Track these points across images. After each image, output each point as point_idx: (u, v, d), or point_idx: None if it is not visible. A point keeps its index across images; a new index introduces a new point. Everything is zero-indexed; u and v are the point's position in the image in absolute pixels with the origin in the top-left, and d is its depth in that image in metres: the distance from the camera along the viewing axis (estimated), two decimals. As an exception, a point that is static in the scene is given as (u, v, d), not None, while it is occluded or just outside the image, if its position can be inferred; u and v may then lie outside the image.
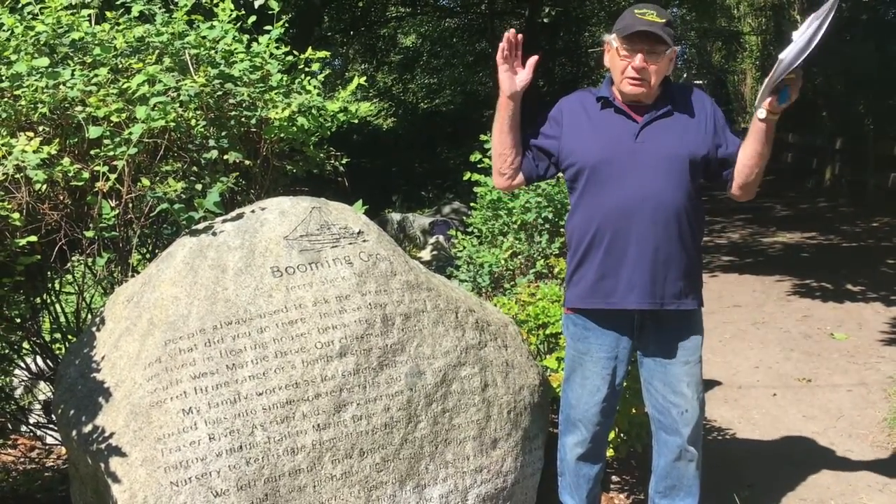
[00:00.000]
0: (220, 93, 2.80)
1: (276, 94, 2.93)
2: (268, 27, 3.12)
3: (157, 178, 2.68)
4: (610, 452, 2.94)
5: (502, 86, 2.40)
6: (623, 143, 2.38)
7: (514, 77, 2.38)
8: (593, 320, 2.48)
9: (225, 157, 2.72)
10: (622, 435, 3.01)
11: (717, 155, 2.41)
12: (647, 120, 2.38)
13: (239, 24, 3.08)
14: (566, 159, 2.46)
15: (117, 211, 2.53)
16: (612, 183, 2.37)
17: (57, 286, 3.03)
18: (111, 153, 2.48)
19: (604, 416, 2.53)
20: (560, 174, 2.59)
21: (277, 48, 3.08)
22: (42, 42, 2.70)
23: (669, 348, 2.45)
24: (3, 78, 2.56)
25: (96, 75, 2.60)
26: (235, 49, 2.98)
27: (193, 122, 2.72)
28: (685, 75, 25.92)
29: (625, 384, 2.64)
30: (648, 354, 2.50)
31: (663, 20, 2.30)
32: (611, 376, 2.49)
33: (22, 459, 3.47)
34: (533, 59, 2.38)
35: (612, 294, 2.42)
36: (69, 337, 2.99)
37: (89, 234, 2.47)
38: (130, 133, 2.45)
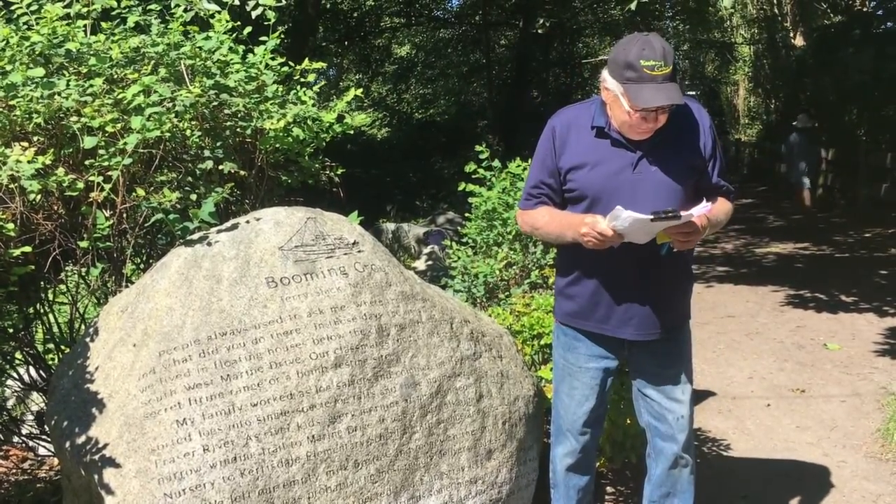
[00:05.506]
0: (215, 103, 2.80)
1: (271, 104, 2.94)
2: (263, 38, 3.12)
3: (152, 188, 2.68)
4: (604, 463, 2.94)
5: None
6: (621, 175, 2.30)
7: None
8: (584, 335, 2.48)
9: (220, 167, 2.72)
10: (616, 445, 3.00)
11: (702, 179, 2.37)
12: (646, 150, 2.30)
13: (235, 35, 3.08)
14: (565, 181, 2.39)
15: (112, 221, 2.53)
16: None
17: (50, 296, 3.02)
18: (106, 163, 2.48)
19: (592, 425, 2.53)
20: None
21: (273, 59, 3.09)
22: (37, 52, 2.70)
23: (661, 360, 2.46)
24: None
25: (91, 86, 2.60)
26: (231, 60, 2.98)
27: (188, 132, 2.72)
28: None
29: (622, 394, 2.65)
30: (640, 366, 2.50)
31: (670, 68, 2.13)
32: (599, 386, 2.49)
33: (14, 470, 3.45)
34: None
35: (605, 321, 2.41)
36: (62, 347, 2.98)
37: (83, 244, 2.47)
38: (125, 143, 2.45)
